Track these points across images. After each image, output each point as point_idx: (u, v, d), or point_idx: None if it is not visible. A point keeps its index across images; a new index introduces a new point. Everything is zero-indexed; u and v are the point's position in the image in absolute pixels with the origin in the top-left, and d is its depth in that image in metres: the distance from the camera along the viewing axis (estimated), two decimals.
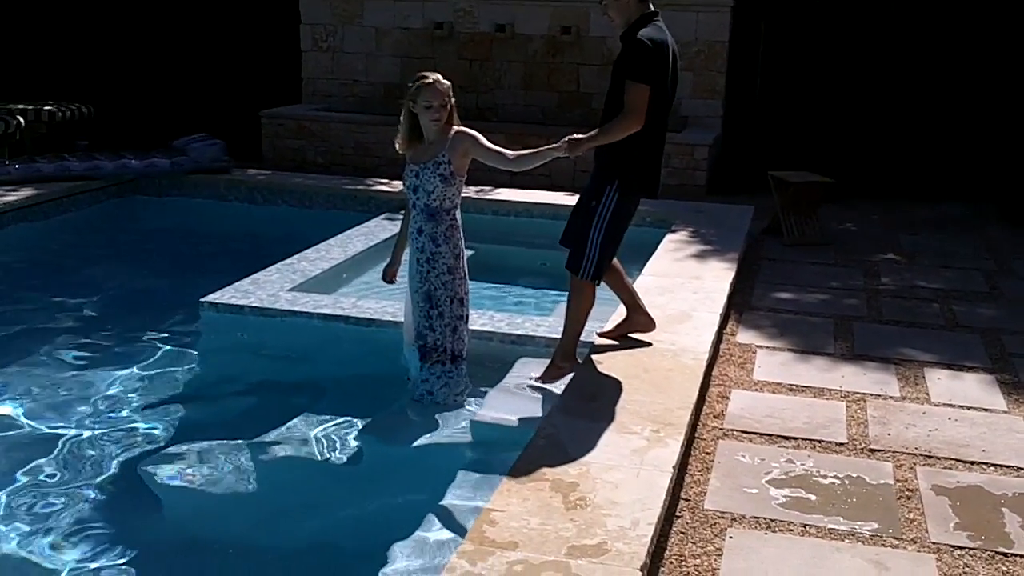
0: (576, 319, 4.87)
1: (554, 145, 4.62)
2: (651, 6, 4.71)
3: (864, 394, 4.97)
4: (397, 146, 5.03)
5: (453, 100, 4.88)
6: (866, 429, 4.57)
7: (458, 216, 5.02)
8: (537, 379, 4.95)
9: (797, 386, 5.05)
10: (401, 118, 4.94)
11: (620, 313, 5.27)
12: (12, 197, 8.17)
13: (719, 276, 6.40)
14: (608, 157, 4.73)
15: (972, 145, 10.32)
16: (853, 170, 9.90)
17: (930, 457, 4.31)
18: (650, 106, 4.55)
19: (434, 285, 4.96)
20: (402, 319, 5.26)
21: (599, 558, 3.07)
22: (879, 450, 4.36)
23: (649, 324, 5.15)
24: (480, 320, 5.60)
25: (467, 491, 4.18)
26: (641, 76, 4.52)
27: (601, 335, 5.13)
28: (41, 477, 4.57)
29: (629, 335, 5.14)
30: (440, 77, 4.83)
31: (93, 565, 3.92)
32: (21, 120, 9.93)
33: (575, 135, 4.62)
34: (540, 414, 4.46)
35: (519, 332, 5.45)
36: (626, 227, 4.88)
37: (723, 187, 10.01)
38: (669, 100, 4.74)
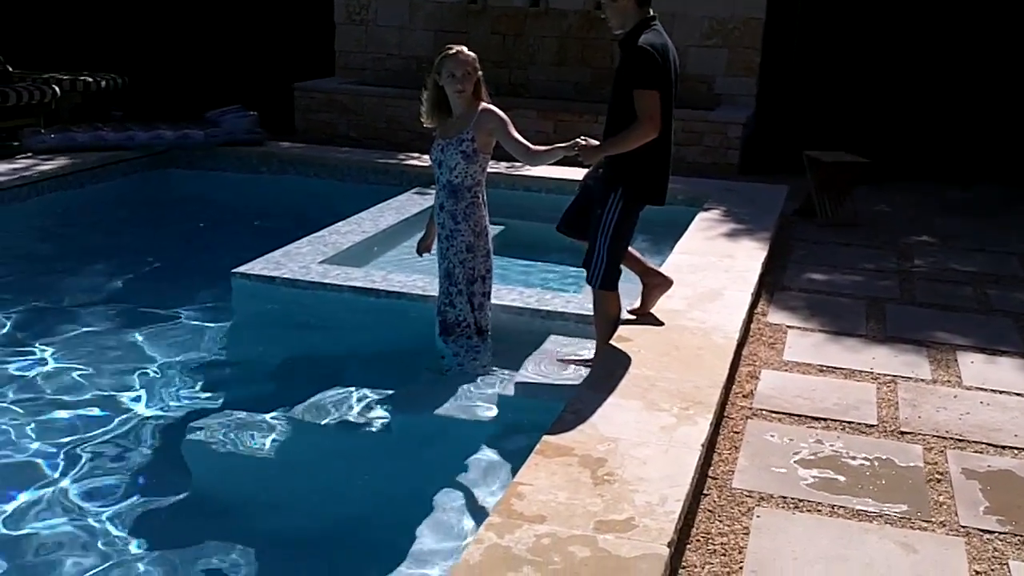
0: (604, 328, 4.84)
1: (564, 144, 4.64)
2: (650, 11, 4.66)
3: (895, 376, 4.94)
4: (422, 118, 5.04)
5: (480, 73, 4.88)
6: (896, 411, 4.54)
7: (481, 194, 5.02)
8: (566, 359, 4.97)
9: (827, 367, 5.02)
10: (425, 91, 4.95)
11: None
12: (48, 166, 8.26)
13: (751, 255, 6.37)
14: (614, 164, 4.68)
15: (1010, 127, 10.18)
16: (889, 150, 9.79)
17: (961, 440, 4.28)
18: None
19: (452, 262, 4.98)
20: (432, 293, 5.29)
21: (626, 533, 3.08)
22: (909, 432, 4.33)
23: (665, 282, 5.10)
24: (510, 295, 5.61)
25: (495, 464, 4.21)
26: (650, 83, 4.48)
27: (631, 312, 5.12)
28: (65, 442, 4.64)
29: (653, 310, 5.11)
30: (464, 49, 4.84)
31: (116, 533, 3.98)
32: (57, 90, 10.00)
33: (588, 139, 4.61)
34: (569, 389, 4.46)
35: (549, 308, 5.46)
36: (631, 233, 4.85)
37: (757, 166, 9.94)
38: (672, 107, 4.69)
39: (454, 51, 4.83)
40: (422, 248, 5.38)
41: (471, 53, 4.86)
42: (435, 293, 5.22)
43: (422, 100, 5.01)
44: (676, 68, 4.66)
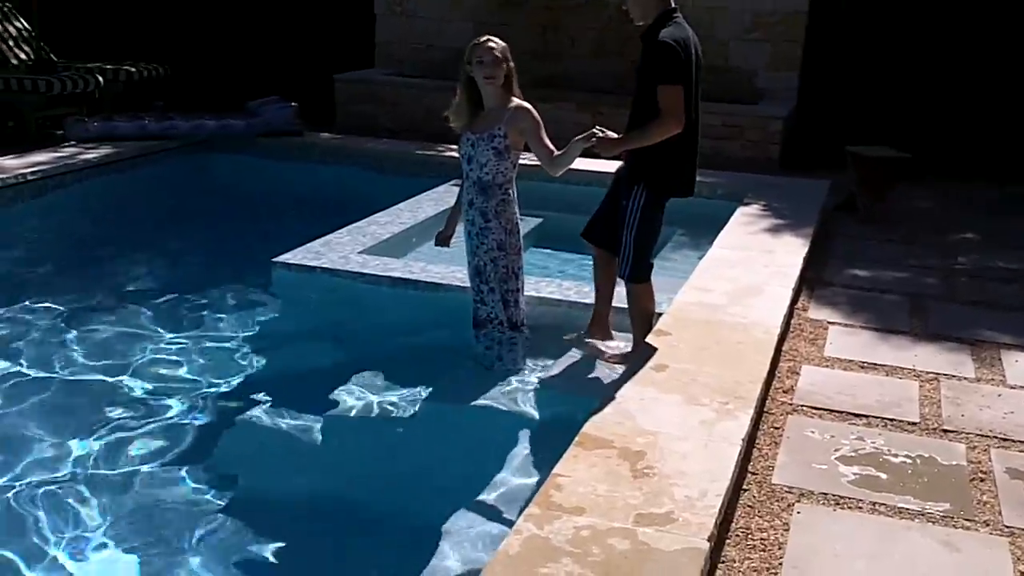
0: (640, 321, 4.84)
1: (581, 137, 4.56)
2: (672, 2, 4.61)
3: (938, 374, 4.88)
4: (450, 118, 5.01)
5: (512, 65, 4.85)
6: (939, 409, 4.49)
7: (512, 191, 5.00)
8: (601, 352, 4.97)
9: (869, 363, 4.97)
10: (458, 88, 4.93)
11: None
12: (91, 155, 8.34)
13: (792, 251, 6.32)
14: (637, 158, 4.66)
15: None
16: (932, 146, 9.66)
17: (1005, 440, 4.22)
18: None
19: (483, 260, 4.96)
20: (469, 284, 5.29)
21: (666, 527, 3.07)
22: (952, 431, 4.28)
23: (606, 334, 5.11)
24: (548, 288, 5.61)
25: (533, 456, 4.21)
26: (673, 78, 4.46)
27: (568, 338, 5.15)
28: (107, 426, 4.69)
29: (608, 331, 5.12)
30: (493, 37, 4.83)
31: (147, 513, 4.02)
32: (100, 79, 10.10)
33: (606, 131, 4.57)
34: (608, 382, 4.45)
35: (588, 300, 5.43)
36: (658, 225, 4.82)
37: (798, 161, 9.84)
38: (696, 99, 4.65)
39: (483, 39, 4.83)
40: (440, 240, 5.38)
41: (501, 42, 4.84)
42: None
43: (454, 99, 4.96)
44: (699, 60, 4.63)
